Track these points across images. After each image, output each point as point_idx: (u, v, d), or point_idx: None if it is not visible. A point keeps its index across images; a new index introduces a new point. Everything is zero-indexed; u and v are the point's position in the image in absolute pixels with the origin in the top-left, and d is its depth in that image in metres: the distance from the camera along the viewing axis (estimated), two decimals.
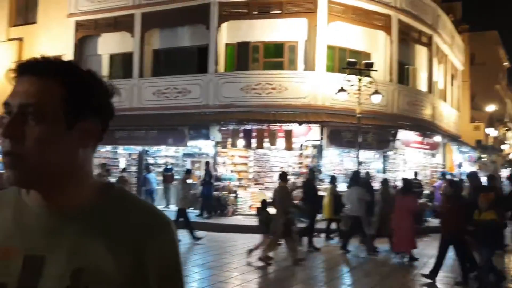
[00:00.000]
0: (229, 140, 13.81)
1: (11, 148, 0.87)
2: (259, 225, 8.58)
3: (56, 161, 0.89)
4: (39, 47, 17.11)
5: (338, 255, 9.25)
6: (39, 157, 0.87)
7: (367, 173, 11.62)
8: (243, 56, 14.98)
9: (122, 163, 15.89)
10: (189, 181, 11.26)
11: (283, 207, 8.22)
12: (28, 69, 0.91)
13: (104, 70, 16.61)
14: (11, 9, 18.02)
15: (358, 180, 10.03)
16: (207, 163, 14.18)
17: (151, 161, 15.80)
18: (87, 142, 0.94)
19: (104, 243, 0.91)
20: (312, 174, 9.94)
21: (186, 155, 15.54)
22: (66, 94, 0.89)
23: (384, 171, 14.24)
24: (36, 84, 0.89)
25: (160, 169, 15.21)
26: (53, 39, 16.76)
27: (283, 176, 8.87)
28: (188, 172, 11.45)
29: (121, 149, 16.06)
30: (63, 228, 0.92)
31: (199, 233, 10.11)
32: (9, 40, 17.71)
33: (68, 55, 16.33)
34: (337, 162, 14.68)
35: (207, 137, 14.44)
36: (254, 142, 13.61)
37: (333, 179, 11.02)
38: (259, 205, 9.34)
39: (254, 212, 13.75)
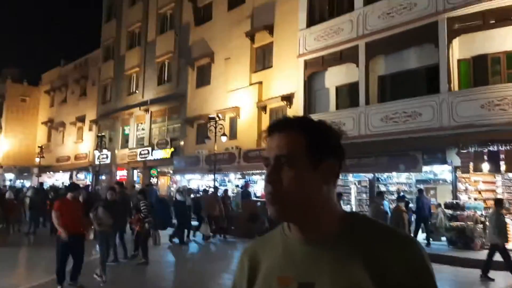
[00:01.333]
0: (471, 164, 12.51)
1: (273, 189, 1.08)
2: None
3: (307, 196, 1.07)
4: (275, 87, 19.44)
5: None
6: (294, 194, 1.06)
7: None
8: (481, 70, 13.50)
9: (353, 191, 16.23)
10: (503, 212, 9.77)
11: None
12: (275, 129, 1.13)
13: (332, 102, 17.54)
14: (252, 59, 21.14)
15: None
16: (420, 190, 13.45)
17: (382, 188, 15.63)
18: (329, 179, 1.11)
19: (358, 265, 1.02)
20: None
21: (419, 181, 14.80)
22: (308, 143, 1.08)
23: None
24: (284, 138, 1.10)
25: (393, 197, 14.85)
26: (286, 79, 18.78)
27: None
28: (499, 202, 9.83)
29: (350, 177, 16.46)
30: (321, 255, 1.06)
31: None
32: (251, 84, 20.71)
33: (299, 91, 18.01)
34: None
35: (443, 161, 13.46)
36: (502, 165, 11.96)
37: None
38: None
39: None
